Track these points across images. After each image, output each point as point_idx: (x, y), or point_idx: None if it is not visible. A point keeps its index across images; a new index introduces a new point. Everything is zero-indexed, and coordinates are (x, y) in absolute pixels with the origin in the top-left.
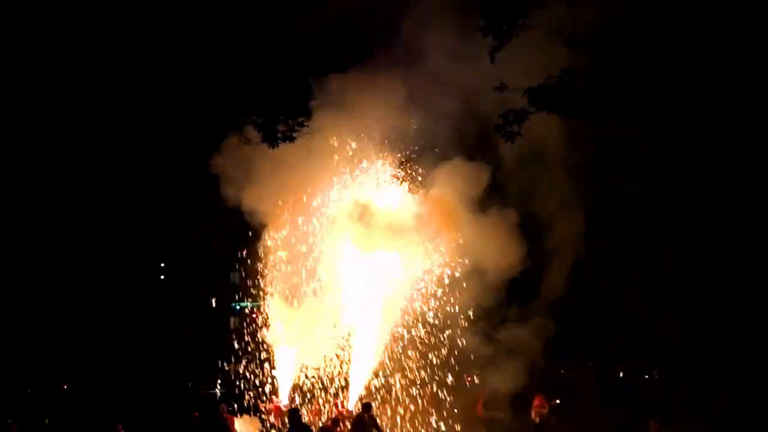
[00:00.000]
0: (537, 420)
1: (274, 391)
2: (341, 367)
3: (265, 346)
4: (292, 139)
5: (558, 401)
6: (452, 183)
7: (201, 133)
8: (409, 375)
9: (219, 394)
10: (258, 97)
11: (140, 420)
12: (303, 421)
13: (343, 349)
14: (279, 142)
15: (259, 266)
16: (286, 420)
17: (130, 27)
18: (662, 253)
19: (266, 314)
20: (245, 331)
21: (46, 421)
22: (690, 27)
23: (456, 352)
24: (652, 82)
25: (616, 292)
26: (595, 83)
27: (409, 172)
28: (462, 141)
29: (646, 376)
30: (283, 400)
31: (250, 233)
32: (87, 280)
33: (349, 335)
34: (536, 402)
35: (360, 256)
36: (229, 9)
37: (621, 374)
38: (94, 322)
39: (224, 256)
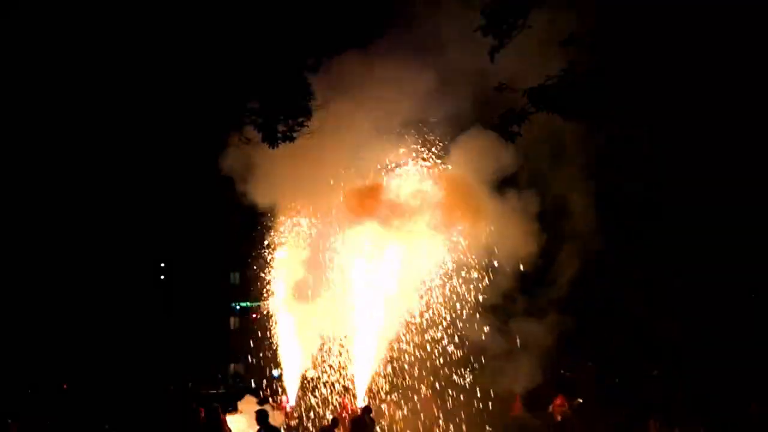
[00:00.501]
0: (558, 419)
1: (282, 392)
2: (347, 365)
3: (269, 345)
4: (292, 139)
5: (580, 400)
6: (471, 157)
7: (201, 134)
8: (420, 371)
9: (220, 394)
10: (258, 97)
11: (140, 420)
12: (270, 421)
13: (347, 351)
14: (279, 142)
15: (269, 256)
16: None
17: (130, 27)
18: (662, 252)
19: (270, 313)
20: (247, 331)
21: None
22: (689, 27)
23: (467, 346)
24: (652, 82)
25: (616, 292)
26: (595, 83)
27: (426, 149)
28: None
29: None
30: (290, 400)
31: (257, 229)
32: (87, 280)
33: (354, 333)
34: (558, 401)
35: (370, 248)
36: (226, 7)
37: (621, 374)
38: (95, 322)
39: (224, 256)
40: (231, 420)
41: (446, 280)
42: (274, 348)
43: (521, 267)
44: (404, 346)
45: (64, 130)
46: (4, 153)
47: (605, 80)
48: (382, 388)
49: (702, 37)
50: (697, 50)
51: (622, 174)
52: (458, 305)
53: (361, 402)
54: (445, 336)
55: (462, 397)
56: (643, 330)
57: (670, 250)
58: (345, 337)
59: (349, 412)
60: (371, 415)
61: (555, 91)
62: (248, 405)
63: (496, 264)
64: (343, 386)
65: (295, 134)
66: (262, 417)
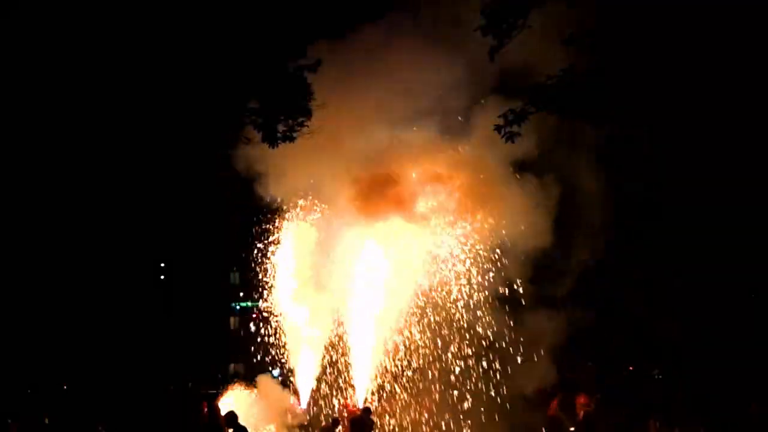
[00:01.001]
0: (581, 416)
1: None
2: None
3: (270, 345)
4: (292, 139)
5: (599, 395)
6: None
7: (201, 134)
8: (428, 369)
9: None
10: (258, 97)
11: (140, 420)
12: (239, 422)
13: (344, 347)
14: (279, 142)
15: (271, 254)
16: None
17: (130, 27)
18: (662, 252)
19: (271, 312)
20: (248, 330)
21: (46, 420)
22: (689, 26)
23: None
24: (652, 82)
25: (616, 292)
26: (595, 83)
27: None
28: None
29: (646, 377)
30: (301, 402)
31: (259, 227)
32: (87, 280)
33: (356, 331)
34: (582, 400)
35: (376, 240)
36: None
37: (621, 374)
38: (94, 322)
39: (224, 256)
40: (247, 399)
41: (456, 271)
42: (275, 348)
43: (530, 259)
44: (409, 344)
45: (63, 130)
46: (4, 153)
47: (605, 80)
48: (384, 388)
49: (702, 37)
50: (697, 50)
51: (622, 174)
52: (467, 298)
53: (361, 402)
54: (455, 332)
55: (473, 397)
56: (643, 330)
57: (670, 250)
58: (344, 336)
59: (350, 412)
60: (371, 415)
61: (555, 91)
62: (265, 384)
63: (501, 255)
64: (344, 386)
65: (295, 134)
66: (231, 419)
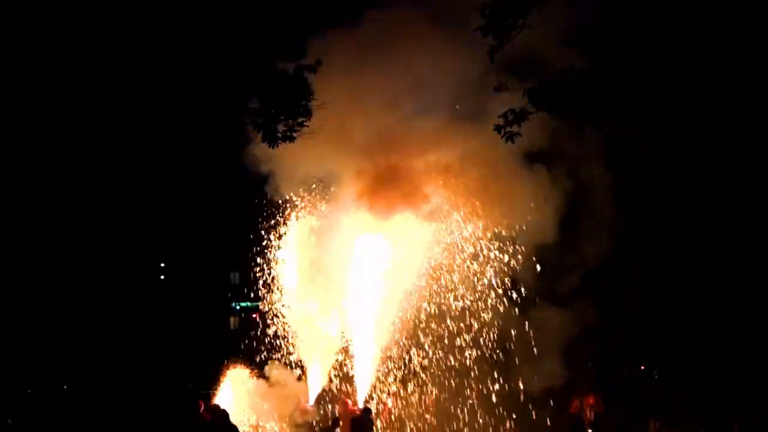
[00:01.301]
0: (592, 417)
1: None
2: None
3: (270, 345)
4: (292, 139)
5: (602, 395)
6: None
7: (201, 133)
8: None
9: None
10: (258, 97)
11: (140, 420)
12: (230, 420)
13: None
14: (279, 142)
15: (274, 252)
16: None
17: (131, 27)
18: (662, 252)
19: (273, 312)
20: (248, 330)
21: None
22: (689, 27)
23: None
24: (652, 82)
25: (616, 292)
26: (595, 83)
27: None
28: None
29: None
30: (310, 399)
31: (260, 225)
32: (87, 280)
33: (357, 330)
34: (591, 401)
35: (378, 235)
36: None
37: (621, 374)
38: (95, 322)
39: (224, 256)
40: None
41: (460, 265)
42: (275, 348)
43: (534, 255)
44: (412, 342)
45: (64, 130)
46: (5, 153)
47: (605, 80)
48: (387, 387)
49: (701, 38)
50: (697, 50)
51: (622, 174)
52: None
53: (361, 402)
54: (460, 327)
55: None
56: (643, 330)
57: (670, 250)
58: (347, 339)
59: (349, 412)
60: (371, 415)
61: (555, 91)
62: (277, 375)
63: (506, 250)
64: (345, 388)
65: (295, 134)
66: (223, 417)
